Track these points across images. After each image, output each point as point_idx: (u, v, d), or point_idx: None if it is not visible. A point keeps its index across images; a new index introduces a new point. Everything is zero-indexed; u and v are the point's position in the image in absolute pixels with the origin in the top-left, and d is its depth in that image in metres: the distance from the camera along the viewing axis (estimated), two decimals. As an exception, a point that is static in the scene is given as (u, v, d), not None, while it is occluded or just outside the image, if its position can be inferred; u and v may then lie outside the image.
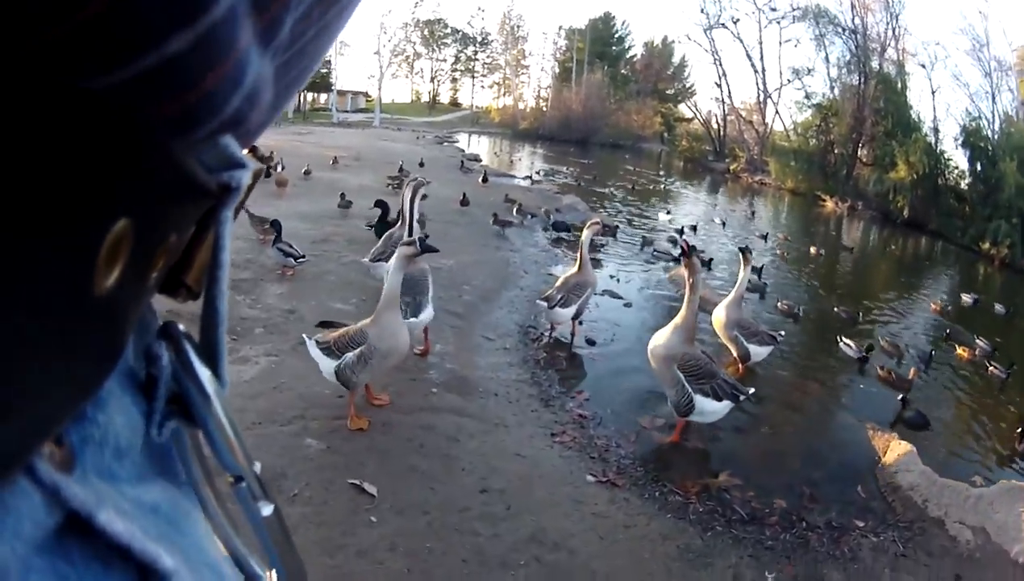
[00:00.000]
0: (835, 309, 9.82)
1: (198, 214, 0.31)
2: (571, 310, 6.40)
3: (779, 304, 9.37)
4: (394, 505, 3.48)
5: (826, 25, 37.60)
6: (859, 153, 35.02)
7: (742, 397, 4.89)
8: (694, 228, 14.53)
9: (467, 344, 5.82)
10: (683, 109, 54.97)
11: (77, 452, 0.26)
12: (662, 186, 24.66)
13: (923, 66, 35.32)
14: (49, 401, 0.22)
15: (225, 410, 0.33)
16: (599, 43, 52.20)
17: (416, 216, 5.67)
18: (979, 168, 29.58)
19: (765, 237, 15.69)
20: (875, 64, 34.84)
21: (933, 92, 34.71)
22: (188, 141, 0.25)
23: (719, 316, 6.50)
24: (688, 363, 4.85)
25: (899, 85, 33.83)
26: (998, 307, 13.07)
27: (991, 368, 8.50)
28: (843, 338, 7.89)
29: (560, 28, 57.81)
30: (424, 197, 6.48)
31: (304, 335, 4.35)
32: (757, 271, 10.95)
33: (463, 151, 25.45)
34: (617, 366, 6.26)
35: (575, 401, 5.34)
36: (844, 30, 36.43)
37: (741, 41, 43.24)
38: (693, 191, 27.78)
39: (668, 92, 55.81)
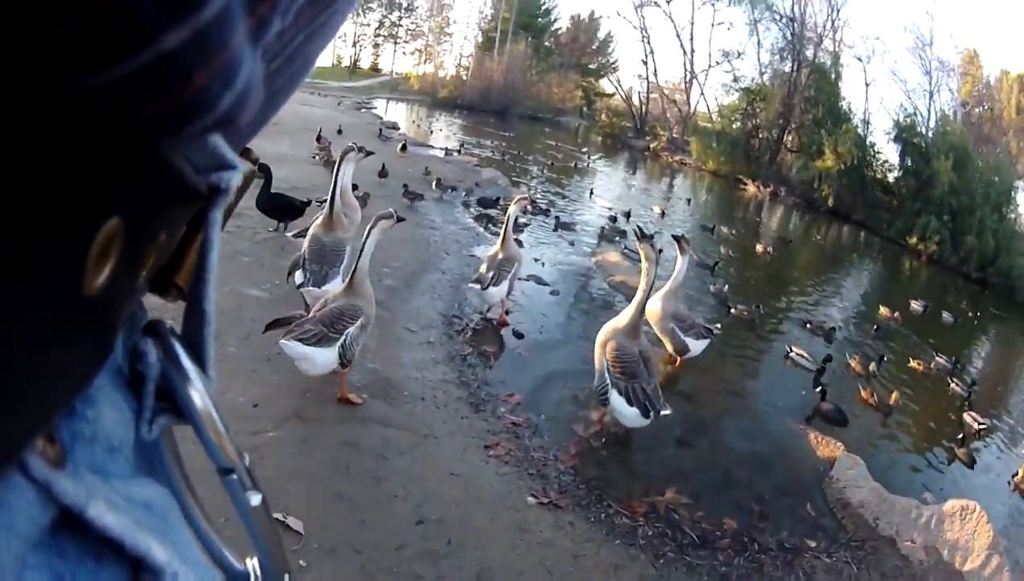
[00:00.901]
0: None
1: (188, 215, 0.32)
2: (503, 288, 6.24)
3: (734, 310, 8.97)
4: (323, 543, 3.01)
5: (763, 11, 37.67)
6: (785, 139, 35.51)
7: (651, 413, 4.60)
8: (627, 214, 13.81)
9: (389, 338, 5.31)
10: (605, 84, 55.03)
11: (68, 448, 0.26)
12: (586, 164, 24.09)
13: (860, 59, 36.16)
14: (40, 397, 0.22)
15: (214, 404, 0.34)
16: (525, 14, 51.36)
17: (341, 186, 5.41)
18: (910, 163, 30.42)
19: (712, 229, 15.26)
20: (810, 53, 35.26)
21: (867, 85, 35.60)
22: (180, 138, 0.25)
23: (654, 308, 6.15)
24: (616, 354, 4.74)
25: (833, 76, 34.39)
26: (946, 315, 13.37)
27: (952, 385, 8.51)
28: (794, 348, 7.70)
29: (487, -3, 57.02)
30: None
31: (281, 341, 3.84)
32: (710, 268, 10.81)
33: (381, 118, 24.51)
34: (548, 363, 5.86)
35: (507, 405, 4.91)
36: (781, 17, 36.65)
37: (672, 20, 42.92)
38: (616, 169, 27.47)
39: (591, 67, 55.64)
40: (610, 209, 14.23)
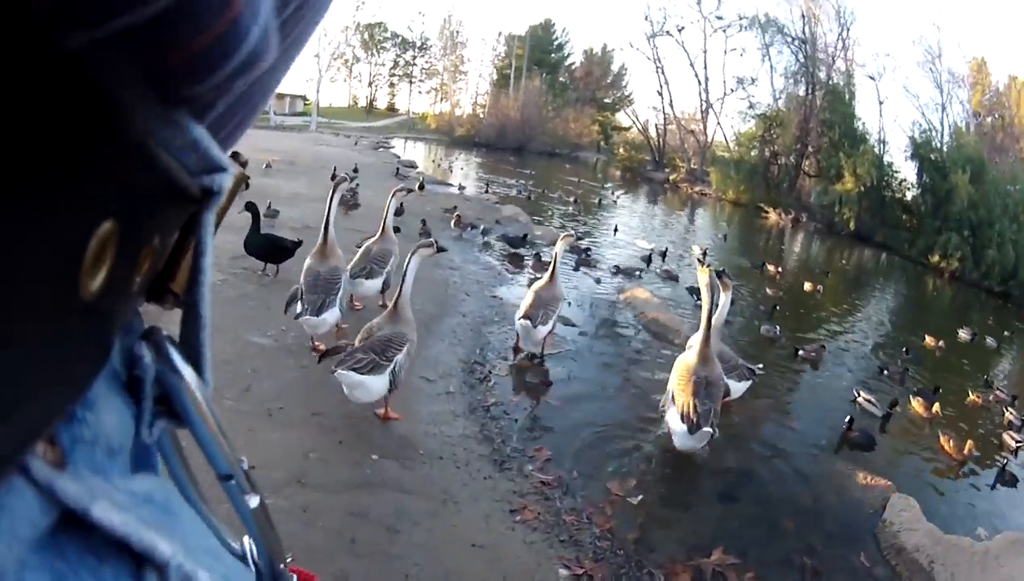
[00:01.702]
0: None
1: (182, 218, 0.32)
2: (549, 327, 6.19)
3: (802, 351, 8.57)
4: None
5: (774, 35, 37.48)
6: (803, 164, 35.11)
7: (696, 431, 4.57)
8: (663, 254, 13.10)
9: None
10: (621, 118, 55.00)
11: (68, 452, 0.26)
12: (611, 200, 23.62)
13: (872, 77, 35.74)
14: (39, 402, 0.22)
15: (211, 408, 0.34)
16: (538, 50, 51.63)
17: (333, 213, 5.51)
18: (928, 180, 29.92)
19: (761, 267, 14.63)
20: (823, 75, 34.94)
21: (881, 103, 35.14)
22: (199, 91, 0.25)
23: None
24: (679, 372, 4.90)
25: (847, 96, 34.03)
26: (989, 341, 12.84)
27: (1007, 413, 8.06)
28: (862, 393, 7.20)
29: (500, 34, 57.42)
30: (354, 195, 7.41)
31: (334, 370, 4.01)
32: (767, 315, 10.18)
33: (398, 157, 24.36)
34: (578, 413, 5.41)
35: (535, 462, 4.46)
36: (793, 40, 36.38)
37: (685, 50, 42.72)
38: (637, 203, 27.00)
39: (606, 100, 55.72)
40: (648, 249, 13.37)
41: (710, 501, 4.62)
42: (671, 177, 40.11)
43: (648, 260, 12.29)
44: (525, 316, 6.01)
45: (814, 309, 12.11)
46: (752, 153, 36.47)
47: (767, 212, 31.91)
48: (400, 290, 4.44)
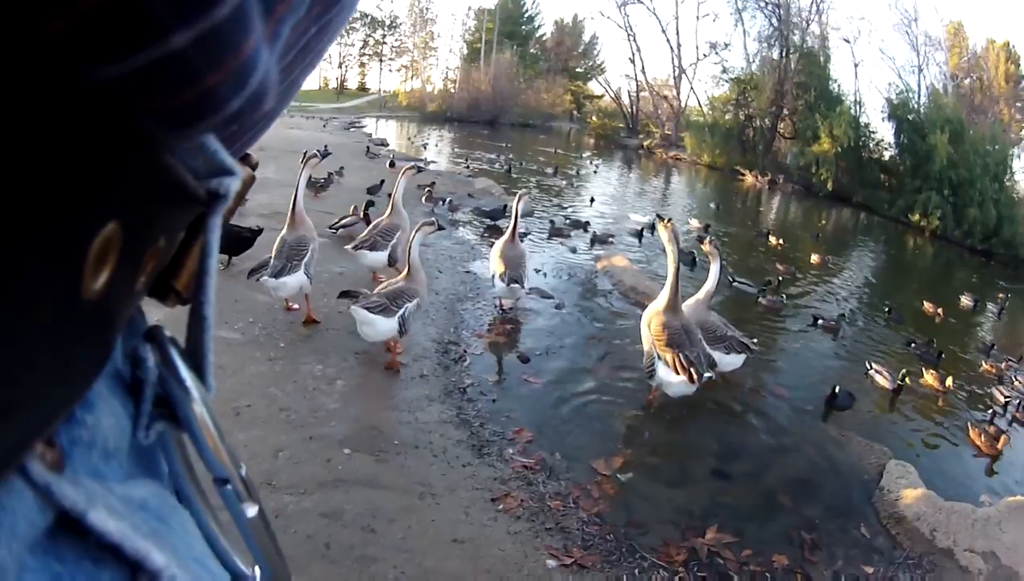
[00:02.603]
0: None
1: (187, 220, 0.32)
2: (526, 285, 6.48)
3: (821, 321, 8.53)
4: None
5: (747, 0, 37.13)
6: (778, 127, 35.05)
7: (696, 377, 4.73)
8: (652, 228, 11.97)
9: (376, 374, 4.68)
10: (593, 87, 54.62)
11: (67, 453, 0.26)
12: (590, 169, 23.36)
13: (847, 40, 35.78)
14: (40, 402, 0.22)
15: (210, 413, 0.34)
16: (509, 22, 50.91)
17: (302, 188, 5.77)
18: (906, 141, 30.12)
19: (767, 234, 14.31)
20: (797, 39, 34.80)
21: (856, 65, 35.25)
22: (185, 137, 0.26)
23: (679, 316, 5.60)
24: (659, 327, 4.96)
25: (822, 59, 33.98)
26: (991, 307, 12.94)
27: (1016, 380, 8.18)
28: (874, 365, 7.05)
29: (469, 8, 56.63)
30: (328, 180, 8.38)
31: (352, 308, 4.59)
32: (761, 290, 9.68)
33: (370, 136, 23.88)
34: (559, 389, 5.22)
35: (515, 445, 4.26)
36: (767, 4, 35.99)
37: (656, 16, 42.82)
38: (612, 171, 26.49)
39: (578, 70, 55.26)
40: (641, 223, 12.74)
41: (702, 477, 4.45)
42: (645, 143, 40.00)
43: (640, 235, 11.92)
44: (512, 280, 6.23)
45: (818, 279, 11.85)
46: (726, 117, 36.31)
47: (743, 175, 31.94)
48: (409, 258, 4.99)
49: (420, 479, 3.63)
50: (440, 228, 5.44)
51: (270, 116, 0.36)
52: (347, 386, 4.38)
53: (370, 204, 8.62)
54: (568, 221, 11.76)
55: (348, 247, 6.50)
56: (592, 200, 15.21)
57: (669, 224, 5.19)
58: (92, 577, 0.25)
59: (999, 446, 5.90)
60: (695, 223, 13.45)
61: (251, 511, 0.38)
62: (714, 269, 5.78)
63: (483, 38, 48.41)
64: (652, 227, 11.71)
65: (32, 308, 0.20)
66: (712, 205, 19.20)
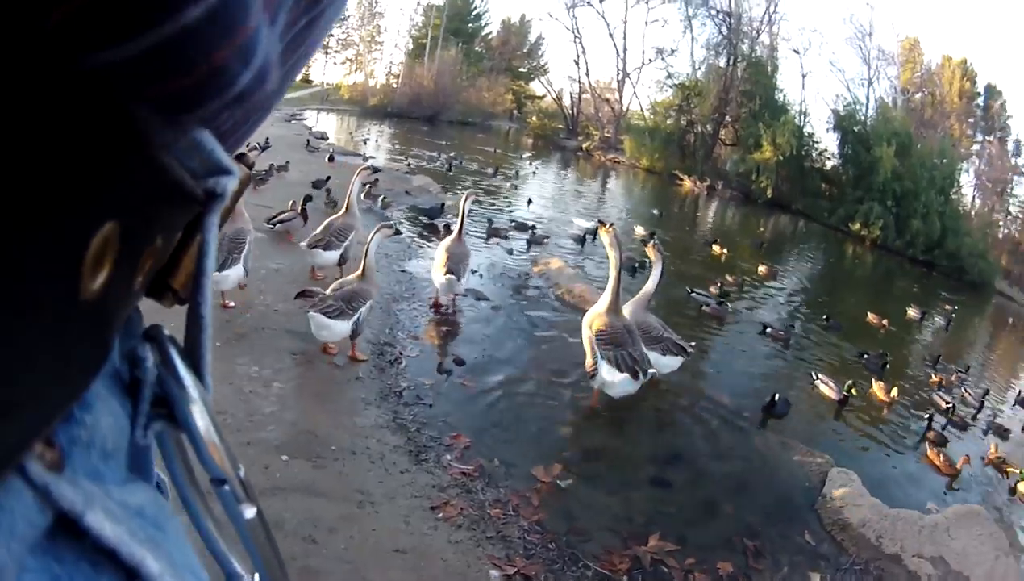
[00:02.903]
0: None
1: (185, 219, 0.32)
2: (467, 279, 6.67)
3: (770, 330, 8.72)
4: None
5: (698, 7, 37.58)
6: (720, 133, 35.60)
7: (640, 375, 4.89)
8: (594, 234, 11.74)
9: (311, 377, 4.55)
10: (535, 87, 54.63)
11: (66, 453, 0.26)
12: (529, 170, 23.04)
13: (796, 51, 36.71)
14: (39, 402, 0.22)
15: (209, 413, 0.34)
16: (456, 19, 50.34)
17: (349, 197, 6.48)
18: (851, 152, 31.03)
19: (712, 243, 14.45)
20: (746, 47, 35.39)
21: (804, 76, 36.12)
22: (194, 121, 0.26)
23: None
24: (600, 327, 5.07)
25: (770, 68, 34.62)
26: (939, 319, 13.52)
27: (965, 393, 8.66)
28: (820, 375, 7.23)
29: (418, 4, 55.95)
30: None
31: (309, 313, 4.69)
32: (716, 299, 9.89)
33: (310, 129, 23.42)
34: (495, 393, 5.14)
35: (453, 451, 4.18)
36: (718, 13, 36.58)
37: (605, 20, 42.79)
38: (549, 172, 26.40)
39: (521, 70, 55.21)
40: (584, 229, 12.37)
41: (643, 484, 4.44)
42: (584, 145, 40.22)
43: (582, 240, 11.75)
44: (448, 271, 6.30)
45: (763, 288, 12.08)
46: (668, 122, 36.77)
47: (682, 180, 32.41)
48: (365, 259, 5.08)
49: (359, 486, 3.52)
50: (398, 232, 5.59)
51: (265, 107, 0.35)
52: (283, 388, 4.24)
53: (308, 199, 8.42)
54: (513, 223, 11.66)
55: (302, 244, 6.43)
56: (529, 201, 15.14)
57: (611, 229, 5.34)
58: (90, 579, 0.25)
59: (958, 466, 6.07)
60: (640, 230, 13.37)
61: (249, 513, 0.37)
62: (656, 272, 5.84)
63: (429, 34, 47.94)
64: (594, 233, 11.60)
65: (31, 309, 0.20)
66: (655, 211, 19.22)
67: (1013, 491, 6.34)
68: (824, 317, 10.29)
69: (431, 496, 3.63)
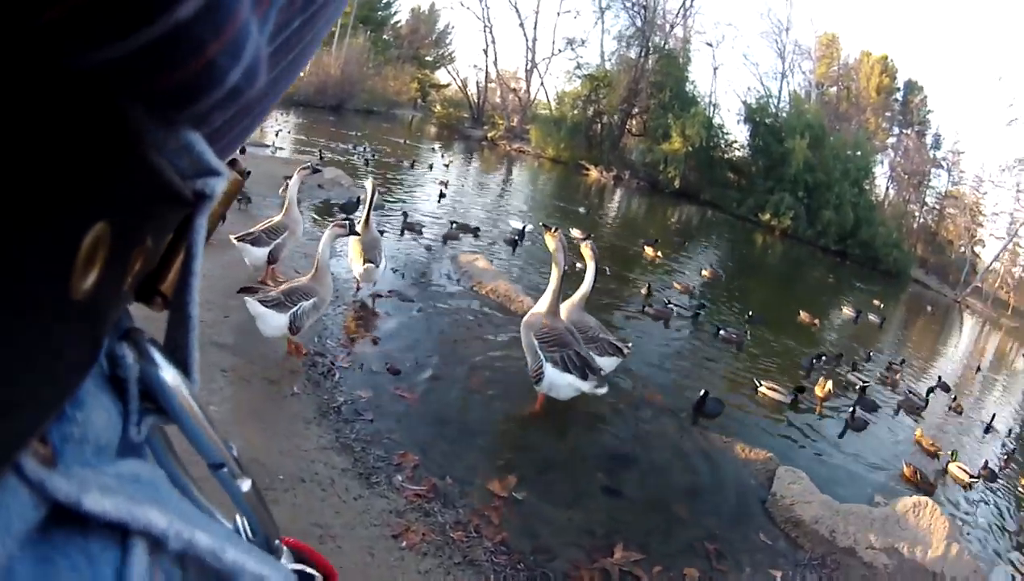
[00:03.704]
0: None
1: (174, 221, 0.32)
2: (384, 264, 6.64)
3: (723, 333, 8.89)
4: None
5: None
6: (628, 124, 35.92)
7: (590, 376, 4.83)
8: (521, 235, 11.84)
9: (249, 396, 4.23)
10: (440, 75, 54.31)
11: (58, 450, 0.26)
12: (444, 163, 22.45)
13: (710, 44, 37.46)
14: (32, 401, 0.22)
15: (196, 402, 0.35)
16: (365, 7, 49.40)
17: (289, 199, 6.36)
18: (762, 143, 31.80)
19: (655, 243, 14.36)
20: (658, 39, 35.80)
21: (715, 69, 36.87)
22: (190, 114, 0.26)
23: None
24: (543, 331, 4.95)
25: (682, 60, 35.06)
26: (872, 317, 13.95)
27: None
28: (763, 383, 7.31)
29: (327, -10, 54.47)
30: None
31: (245, 299, 4.62)
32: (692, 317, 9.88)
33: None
34: (435, 403, 4.93)
35: (403, 471, 3.95)
36: (633, 5, 36.87)
37: (517, 10, 42.82)
38: (459, 163, 26.15)
39: (427, 58, 54.78)
40: (518, 229, 12.12)
41: (595, 493, 4.35)
42: (489, 134, 40.22)
43: (515, 243, 11.44)
44: (366, 260, 6.34)
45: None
46: (575, 112, 36.96)
47: (588, 169, 32.67)
48: (318, 259, 4.99)
49: (316, 519, 3.27)
50: (353, 231, 5.44)
51: (257, 110, 0.35)
52: (219, 411, 3.92)
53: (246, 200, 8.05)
54: (455, 225, 11.35)
55: (232, 237, 6.11)
56: (442, 195, 14.78)
57: (556, 233, 5.27)
58: (81, 547, 0.25)
59: (932, 482, 6.30)
60: (576, 233, 12.95)
61: (245, 486, 0.41)
62: (590, 271, 5.74)
63: (338, 21, 46.93)
64: (521, 235, 11.65)
65: (22, 308, 0.20)
66: (582, 210, 18.90)
67: (944, 472, 6.69)
68: (748, 314, 10.48)
69: (390, 523, 3.43)
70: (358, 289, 6.71)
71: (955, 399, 9.82)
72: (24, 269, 0.19)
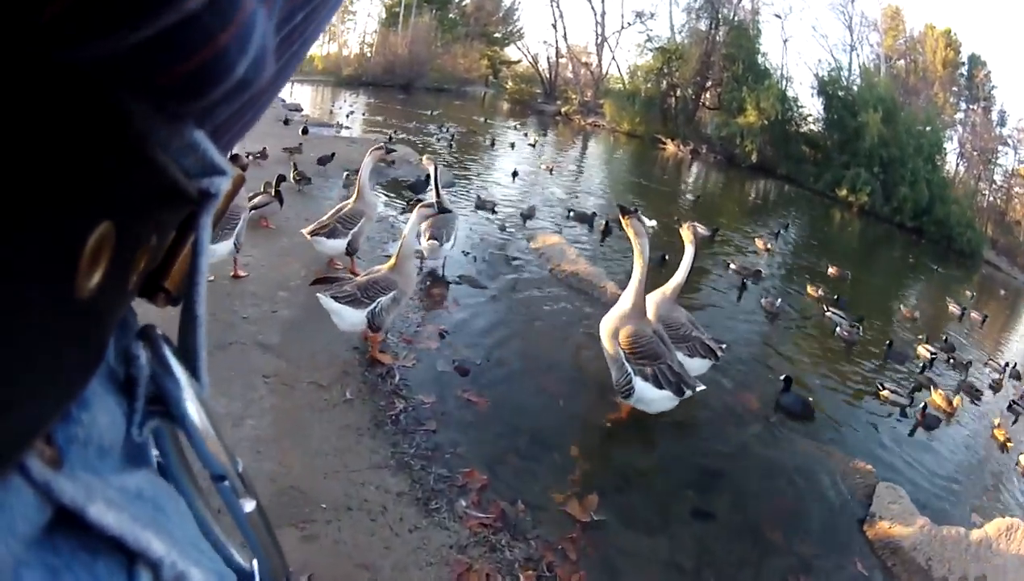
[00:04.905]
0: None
1: (178, 219, 0.32)
2: (447, 244, 6.42)
3: (839, 330, 8.29)
4: None
5: (680, -30, 36.94)
6: (702, 97, 35.18)
7: (688, 391, 4.35)
8: (603, 221, 10.68)
9: (291, 407, 3.77)
10: (510, 52, 53.77)
11: (64, 451, 0.26)
12: (529, 142, 21.69)
13: (778, 16, 36.52)
14: (37, 401, 0.22)
15: (205, 409, 0.34)
16: (430, -14, 49.36)
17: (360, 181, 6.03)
18: (836, 117, 30.95)
19: (778, 233, 13.98)
20: (727, 11, 34.95)
21: (785, 41, 35.96)
22: (198, 107, 0.25)
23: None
24: (631, 339, 4.37)
25: (752, 32, 34.27)
26: (975, 314, 13.27)
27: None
28: (886, 386, 6.79)
29: (390, -27, 54.56)
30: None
31: (318, 295, 4.26)
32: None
33: (283, 101, 22.28)
34: (508, 409, 4.40)
35: (468, 495, 3.44)
36: None
37: (584, -17, 41.49)
38: (528, 140, 25.50)
39: (496, 35, 54.24)
40: (594, 214, 11.10)
41: (684, 518, 3.82)
42: (563, 109, 39.67)
43: (605, 233, 10.30)
44: (431, 237, 6.17)
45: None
46: (648, 85, 36.21)
47: (664, 143, 32.15)
48: (400, 245, 4.59)
49: (362, 558, 2.79)
50: (443, 210, 5.06)
51: (259, 103, 0.35)
52: (258, 427, 3.46)
53: (281, 179, 7.60)
54: (572, 213, 10.82)
55: (304, 231, 5.76)
56: (515, 173, 14.01)
57: (636, 215, 4.55)
58: (89, 568, 0.24)
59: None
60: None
61: (249, 506, 0.38)
62: (687, 257, 5.11)
63: (403, 2, 46.72)
64: (602, 221, 10.75)
65: (28, 308, 0.20)
66: (690, 197, 17.53)
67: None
68: (835, 297, 9.77)
69: (449, 560, 2.94)
70: (421, 266, 6.37)
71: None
72: (30, 268, 0.19)
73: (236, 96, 0.26)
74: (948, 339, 9.94)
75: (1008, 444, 6.65)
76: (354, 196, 6.04)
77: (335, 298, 4.23)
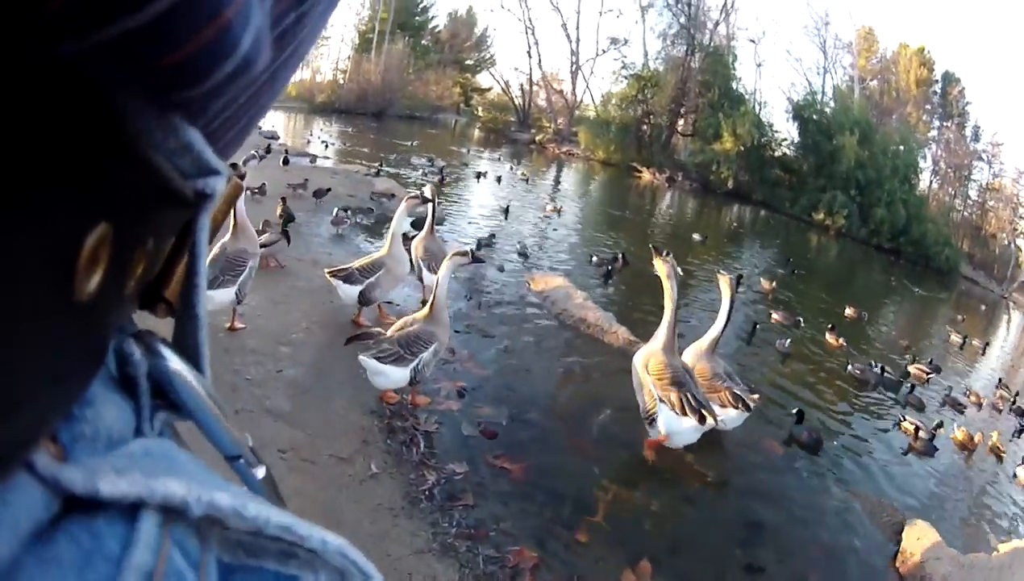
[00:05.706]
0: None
1: (176, 221, 0.32)
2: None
3: (853, 369, 8.17)
4: None
5: (655, -3, 37.27)
6: (677, 124, 35.32)
7: (709, 420, 4.28)
8: (623, 258, 10.79)
9: (316, 487, 3.36)
10: (482, 79, 53.98)
11: (68, 449, 0.26)
12: (519, 174, 21.49)
13: (752, 40, 36.98)
14: (38, 402, 0.22)
15: (209, 395, 0.35)
16: (403, 13, 48.88)
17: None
18: (811, 141, 31.14)
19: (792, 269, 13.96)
20: (704, 37, 35.42)
21: (759, 65, 36.33)
22: (197, 97, 0.26)
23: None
24: (659, 367, 4.47)
25: (729, 58, 34.59)
26: (975, 342, 13.46)
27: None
28: (907, 418, 6.75)
29: (364, -2, 54.50)
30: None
31: (360, 357, 4.06)
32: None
33: (259, 128, 21.72)
34: (544, 476, 4.05)
35: (522, 577, 3.11)
36: (676, 2, 36.58)
37: (559, 10, 42.58)
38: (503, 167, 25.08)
39: (468, 62, 54.34)
40: (607, 254, 10.93)
41: (738, 575, 3.69)
42: (537, 138, 39.88)
43: (608, 275, 9.93)
44: (432, 270, 5.93)
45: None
46: (623, 113, 36.46)
47: (640, 171, 32.23)
48: (435, 295, 4.44)
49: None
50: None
51: (253, 110, 0.34)
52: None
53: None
54: (596, 260, 10.51)
55: (325, 272, 5.51)
56: (507, 210, 13.56)
57: (668, 258, 4.65)
58: (86, 527, 0.24)
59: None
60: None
61: (260, 472, 0.40)
62: (724, 308, 4.95)
63: (376, 28, 46.62)
64: (612, 263, 10.49)
65: (26, 311, 0.20)
66: (696, 237, 16.51)
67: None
68: (829, 326, 9.81)
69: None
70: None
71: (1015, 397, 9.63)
72: (28, 271, 0.19)
73: (238, 79, 0.25)
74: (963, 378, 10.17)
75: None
76: (385, 247, 5.73)
77: (379, 359, 4.05)
